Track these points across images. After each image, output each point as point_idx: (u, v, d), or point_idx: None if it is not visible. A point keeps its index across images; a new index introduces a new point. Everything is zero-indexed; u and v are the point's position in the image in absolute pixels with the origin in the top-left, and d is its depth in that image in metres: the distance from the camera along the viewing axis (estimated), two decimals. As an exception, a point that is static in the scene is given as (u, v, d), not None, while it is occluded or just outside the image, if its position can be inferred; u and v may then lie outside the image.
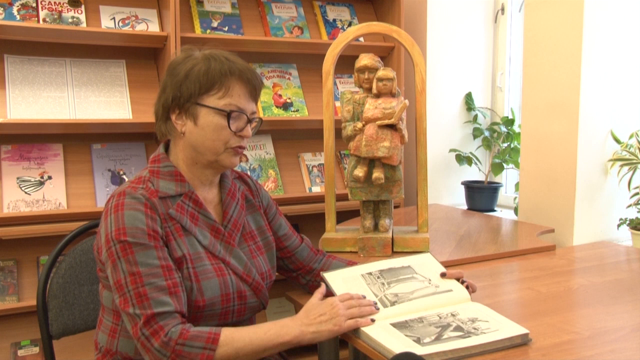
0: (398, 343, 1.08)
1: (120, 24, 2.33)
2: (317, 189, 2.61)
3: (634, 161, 2.00)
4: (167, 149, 1.32)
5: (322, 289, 1.28)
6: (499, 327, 1.13)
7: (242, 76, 1.25)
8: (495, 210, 2.68)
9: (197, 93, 1.22)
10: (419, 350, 1.03)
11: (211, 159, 1.26)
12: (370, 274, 1.35)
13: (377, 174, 1.64)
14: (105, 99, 2.30)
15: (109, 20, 2.32)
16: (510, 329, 1.12)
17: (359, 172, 1.65)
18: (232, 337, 1.12)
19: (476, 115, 2.87)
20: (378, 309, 1.21)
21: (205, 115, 1.23)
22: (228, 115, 1.23)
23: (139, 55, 2.43)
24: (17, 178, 2.15)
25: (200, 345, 1.09)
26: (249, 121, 1.28)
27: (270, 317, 2.57)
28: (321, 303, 1.20)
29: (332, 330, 1.15)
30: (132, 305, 1.11)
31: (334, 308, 1.17)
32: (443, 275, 1.33)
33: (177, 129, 1.26)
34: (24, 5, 2.21)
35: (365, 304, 1.21)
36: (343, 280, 1.31)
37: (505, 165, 2.69)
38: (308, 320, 1.16)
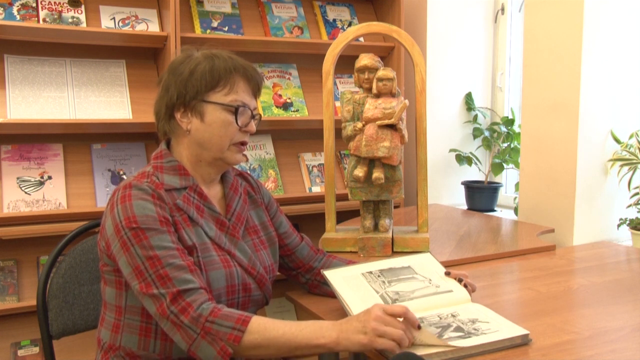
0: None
1: (120, 24, 2.33)
2: (317, 189, 2.61)
3: (634, 161, 2.00)
4: (168, 146, 1.33)
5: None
6: (499, 327, 1.13)
7: (245, 73, 1.28)
8: (495, 210, 2.68)
9: (203, 90, 1.24)
10: (419, 350, 1.03)
11: (216, 156, 1.28)
12: (370, 272, 1.35)
13: (377, 174, 1.64)
14: (105, 99, 2.30)
15: (109, 20, 2.32)
16: (510, 329, 1.12)
17: (359, 172, 1.65)
18: (265, 325, 1.08)
19: (476, 115, 2.87)
20: (419, 327, 1.06)
21: (212, 112, 1.25)
22: (235, 111, 1.25)
23: (139, 55, 2.43)
24: (17, 178, 2.15)
25: (230, 325, 1.07)
26: (253, 117, 1.30)
27: (270, 316, 2.55)
28: (364, 311, 1.07)
29: (362, 343, 1.03)
30: (155, 287, 1.11)
31: (369, 314, 1.05)
32: (447, 274, 1.34)
33: (182, 127, 1.27)
34: (24, 5, 2.21)
35: (410, 318, 1.05)
36: (344, 279, 1.31)
37: (505, 165, 2.69)
38: (347, 326, 1.05)
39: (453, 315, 1.19)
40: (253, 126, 1.30)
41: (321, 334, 1.06)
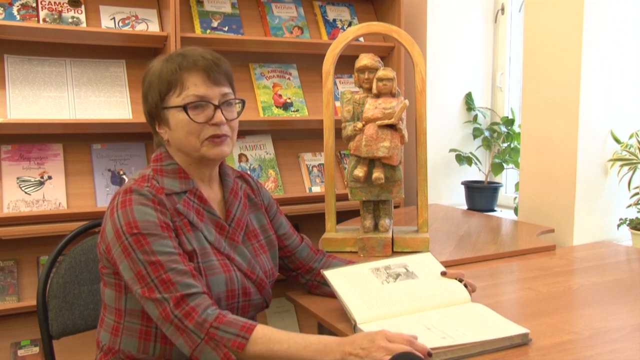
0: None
1: (120, 24, 2.33)
2: (317, 189, 2.61)
3: (634, 161, 2.00)
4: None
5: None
6: (499, 326, 1.13)
7: (194, 66, 1.23)
8: (495, 210, 2.68)
9: (159, 99, 1.25)
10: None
11: (196, 156, 1.27)
12: (377, 269, 1.34)
13: (377, 174, 1.64)
14: (105, 99, 2.30)
15: (109, 20, 2.32)
16: (510, 328, 1.12)
17: (359, 172, 1.65)
18: (269, 336, 1.08)
19: (476, 115, 2.87)
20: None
21: (173, 116, 1.25)
22: (184, 108, 1.22)
23: (139, 55, 2.43)
24: (17, 178, 2.15)
25: (234, 332, 1.07)
26: (217, 107, 1.24)
27: (270, 316, 2.57)
28: (366, 335, 1.06)
29: None
30: (158, 291, 1.10)
31: (374, 343, 1.03)
32: (443, 274, 1.33)
33: (163, 138, 1.29)
34: (24, 5, 2.21)
35: (418, 347, 1.03)
36: (344, 277, 1.31)
37: (505, 165, 2.69)
38: (351, 348, 1.04)
39: (453, 315, 1.19)
40: (220, 117, 1.24)
41: (325, 353, 1.05)
